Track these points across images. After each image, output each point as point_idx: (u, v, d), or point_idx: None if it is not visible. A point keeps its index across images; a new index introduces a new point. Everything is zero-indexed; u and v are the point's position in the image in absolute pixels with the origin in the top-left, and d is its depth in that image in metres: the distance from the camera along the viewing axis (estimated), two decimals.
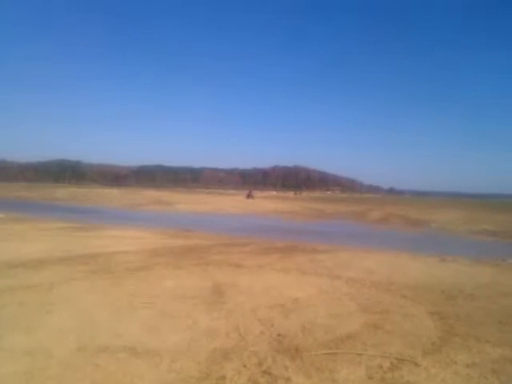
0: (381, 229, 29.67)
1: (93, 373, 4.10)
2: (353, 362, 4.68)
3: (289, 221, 34.41)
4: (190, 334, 5.33)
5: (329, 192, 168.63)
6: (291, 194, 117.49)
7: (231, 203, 52.65)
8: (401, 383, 4.20)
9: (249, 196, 69.41)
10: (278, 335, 5.42)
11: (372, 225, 32.78)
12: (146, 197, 59.02)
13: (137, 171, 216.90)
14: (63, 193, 66.86)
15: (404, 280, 9.21)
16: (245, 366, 4.46)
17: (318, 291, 7.88)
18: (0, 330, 2.98)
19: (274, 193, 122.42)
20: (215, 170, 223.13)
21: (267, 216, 38.70)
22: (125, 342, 4.92)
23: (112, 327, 5.41)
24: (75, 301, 6.57)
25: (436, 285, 8.83)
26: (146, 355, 4.61)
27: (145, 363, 4.41)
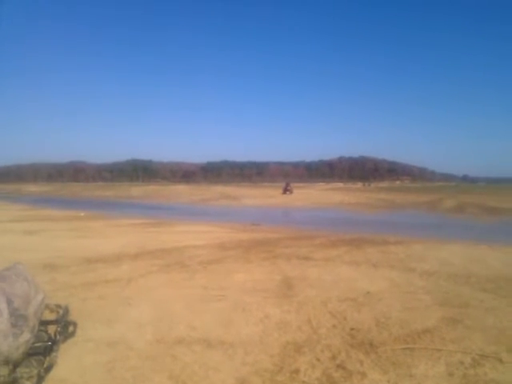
0: (455, 218, 28.22)
1: (170, 364, 4.26)
2: (431, 357, 4.49)
3: (356, 212, 33.70)
4: (261, 327, 5.38)
5: (398, 182, 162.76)
6: (358, 185, 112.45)
7: (298, 196, 52.48)
8: (484, 381, 3.97)
9: (286, 190, 56.65)
10: (351, 329, 5.32)
11: (446, 214, 31.27)
12: (214, 192, 60.45)
13: (204, 167, 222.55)
14: (137, 191, 70.14)
15: (484, 272, 8.69)
16: (318, 359, 4.43)
17: (391, 284, 7.64)
18: (83, 323, 3.18)
19: (341, 184, 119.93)
20: (281, 164, 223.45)
21: (334, 208, 38.16)
22: (199, 335, 5.06)
23: (187, 319, 5.58)
24: (152, 294, 6.86)
25: None
26: (220, 347, 4.72)
27: (219, 355, 4.50)
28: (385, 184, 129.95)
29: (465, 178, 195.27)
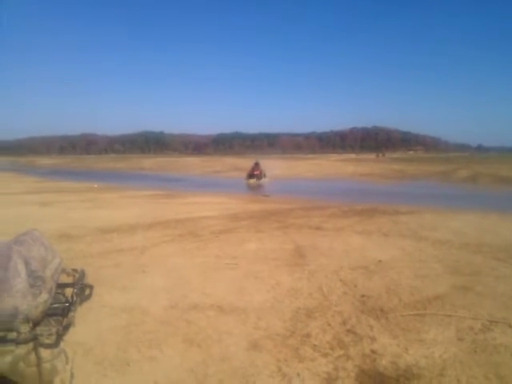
0: (468, 188, 27.96)
1: (185, 328, 4.38)
2: (441, 323, 4.54)
3: (369, 183, 33.54)
4: (273, 294, 5.47)
5: (411, 152, 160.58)
6: (371, 156, 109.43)
7: (309, 167, 52.24)
8: (493, 345, 4.02)
9: (252, 175, 35.61)
10: (362, 296, 5.39)
11: (458, 184, 30.99)
12: (225, 164, 60.39)
13: (215, 139, 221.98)
14: (148, 162, 70.37)
15: (496, 241, 8.66)
16: (329, 324, 4.51)
17: (402, 253, 7.67)
18: (99, 289, 3.28)
19: (353, 155, 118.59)
20: (292, 135, 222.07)
21: (346, 179, 38.00)
22: (213, 301, 5.17)
23: (200, 287, 5.69)
24: (166, 262, 6.99)
25: None
26: (232, 313, 4.82)
27: (232, 320, 4.61)
28: (397, 154, 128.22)
29: (479, 148, 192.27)
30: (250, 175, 35.90)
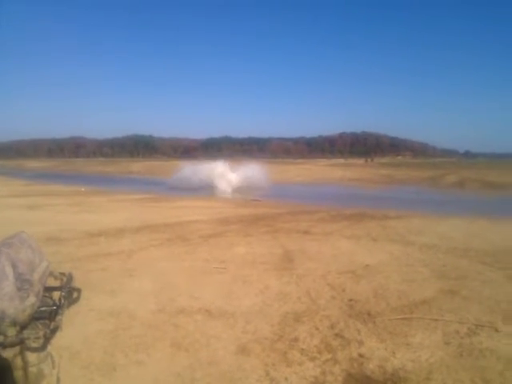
0: (456, 194, 28.27)
1: (173, 332, 4.36)
2: (428, 327, 4.59)
3: (357, 188, 33.73)
4: (262, 298, 5.48)
5: (399, 157, 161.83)
6: (360, 161, 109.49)
7: (298, 172, 52.37)
8: (479, 349, 4.06)
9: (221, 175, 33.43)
10: (350, 300, 5.41)
11: (446, 190, 31.31)
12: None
13: (205, 143, 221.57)
14: (137, 166, 69.98)
15: (482, 245, 8.76)
16: (317, 328, 4.53)
17: (390, 257, 7.72)
18: (87, 293, 3.26)
19: (342, 160, 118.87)
20: (282, 140, 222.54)
21: (335, 184, 38.17)
22: (201, 305, 5.16)
23: (188, 291, 5.68)
24: (154, 266, 6.96)
25: None
26: (221, 317, 4.82)
27: (220, 324, 4.60)
28: (386, 159, 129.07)
29: (466, 154, 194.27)
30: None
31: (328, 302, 5.35)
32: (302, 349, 4.04)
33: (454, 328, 4.56)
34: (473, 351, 4.03)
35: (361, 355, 3.92)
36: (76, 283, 2.55)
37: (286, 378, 3.49)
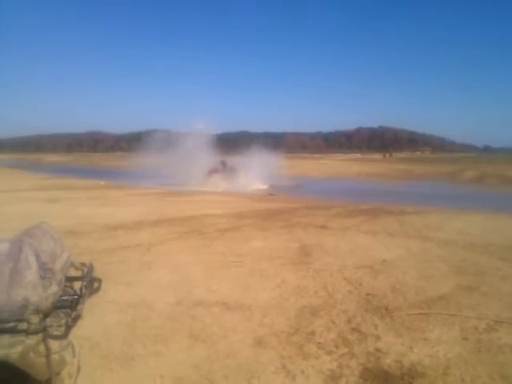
0: (475, 189, 27.84)
1: (190, 324, 4.41)
2: (446, 322, 4.54)
3: (375, 183, 33.47)
4: (278, 292, 5.49)
5: (418, 152, 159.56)
6: (378, 156, 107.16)
7: (315, 167, 52.20)
8: (498, 345, 4.01)
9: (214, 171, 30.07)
10: (367, 295, 5.39)
11: (465, 185, 30.86)
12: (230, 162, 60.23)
13: (221, 138, 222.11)
14: (155, 161, 70.36)
15: (502, 241, 8.62)
16: (334, 322, 4.53)
17: (407, 253, 7.66)
18: (105, 285, 3.32)
19: (359, 155, 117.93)
20: (298, 135, 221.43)
21: (352, 179, 37.93)
22: (218, 298, 5.20)
23: (206, 284, 5.73)
24: (171, 259, 7.03)
25: None
26: (238, 310, 4.85)
27: (237, 317, 4.64)
28: (404, 155, 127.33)
29: (486, 149, 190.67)
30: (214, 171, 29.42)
31: (345, 297, 5.34)
32: (319, 342, 4.04)
33: (473, 324, 4.51)
34: (491, 347, 3.98)
35: (378, 350, 3.91)
36: (96, 274, 2.60)
37: (303, 371, 3.50)
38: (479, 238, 8.92)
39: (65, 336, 2.10)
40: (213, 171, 29.56)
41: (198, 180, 28.03)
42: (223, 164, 30.83)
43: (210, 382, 3.30)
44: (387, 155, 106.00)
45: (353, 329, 4.38)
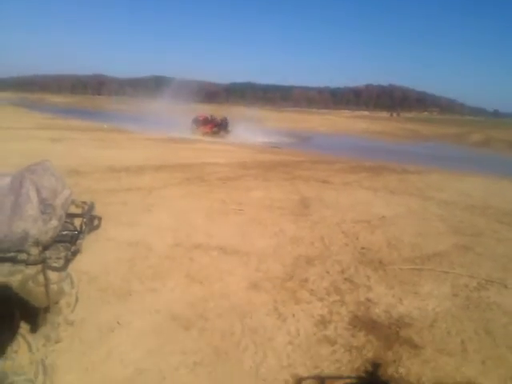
0: (481, 152, 27.63)
1: (188, 265, 4.52)
2: (438, 278, 4.64)
3: (380, 141, 33.20)
4: (276, 240, 5.58)
5: (426, 113, 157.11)
6: (385, 114, 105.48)
7: (321, 122, 51.60)
8: (487, 303, 4.12)
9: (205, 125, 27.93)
10: (362, 248, 5.48)
11: (471, 148, 30.62)
12: (236, 113, 59.65)
13: (227, 88, 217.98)
14: (158, 108, 69.55)
15: (502, 205, 8.65)
16: (327, 272, 4.63)
17: (407, 211, 7.70)
18: (106, 224, 3.37)
19: (366, 113, 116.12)
20: (305, 89, 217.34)
21: (357, 136, 37.58)
22: (216, 242, 5.29)
23: (205, 228, 5.81)
24: (172, 203, 7.10)
25: None
26: (235, 255, 4.94)
27: (234, 261, 4.74)
28: (412, 114, 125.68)
29: (495, 113, 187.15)
30: (206, 128, 27.52)
31: (341, 249, 5.42)
32: (312, 289, 4.15)
33: (464, 282, 4.61)
34: (480, 304, 4.09)
35: (368, 300, 4.02)
36: (97, 213, 2.64)
37: (294, 315, 3.61)
38: (480, 201, 8.95)
39: (64, 268, 2.17)
40: (203, 122, 28.32)
41: (193, 129, 27.55)
42: (212, 118, 29.00)
43: (205, 320, 3.42)
44: (394, 114, 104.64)
45: (346, 279, 4.48)
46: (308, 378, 2.79)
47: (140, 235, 5.29)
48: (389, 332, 3.48)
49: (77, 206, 2.66)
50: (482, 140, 35.67)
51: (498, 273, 4.91)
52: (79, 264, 3.51)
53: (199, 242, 5.23)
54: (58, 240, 2.20)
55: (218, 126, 28.42)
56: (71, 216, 2.57)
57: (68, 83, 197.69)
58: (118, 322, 3.25)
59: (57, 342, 2.65)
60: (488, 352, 3.25)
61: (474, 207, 8.29)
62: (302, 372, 2.86)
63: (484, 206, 8.39)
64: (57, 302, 2.44)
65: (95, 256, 4.31)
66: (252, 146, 20.75)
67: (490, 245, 5.94)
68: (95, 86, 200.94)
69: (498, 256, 5.49)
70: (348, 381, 2.82)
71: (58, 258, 2.18)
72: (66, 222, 2.41)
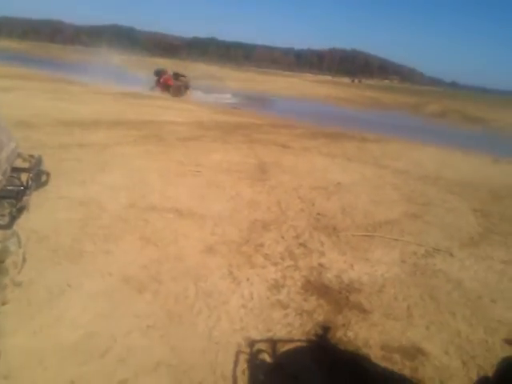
0: (436, 123, 28.43)
1: (142, 227, 4.44)
2: (388, 245, 4.82)
3: (341, 108, 33.43)
4: (233, 204, 5.57)
5: (386, 81, 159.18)
6: (347, 80, 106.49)
7: (284, 85, 51.14)
8: (433, 270, 4.32)
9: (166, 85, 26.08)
10: (318, 214, 5.57)
11: (428, 119, 31.42)
12: (197, 70, 58.05)
13: (189, 43, 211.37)
14: (117, 59, 66.59)
15: (453, 176, 9.00)
16: (282, 237, 4.69)
17: (362, 178, 7.87)
18: (57, 181, 3.22)
19: (329, 78, 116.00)
20: (269, 48, 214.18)
21: (319, 101, 37.63)
22: (172, 204, 5.22)
23: (161, 190, 5.71)
24: (127, 162, 6.90)
25: (485, 184, 8.61)
26: (191, 218, 4.90)
27: (190, 224, 4.70)
28: (373, 82, 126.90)
29: (453, 84, 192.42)
30: (164, 85, 26.10)
31: (296, 214, 5.49)
32: (266, 254, 4.20)
33: (412, 249, 4.80)
34: (426, 271, 4.29)
35: (321, 265, 4.12)
36: (45, 168, 2.50)
37: (248, 279, 3.66)
38: (433, 171, 9.26)
39: (9, 226, 2.06)
40: (165, 79, 26.74)
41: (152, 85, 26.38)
42: (175, 75, 27.44)
43: (158, 283, 3.40)
44: (356, 81, 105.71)
45: (300, 244, 4.56)
46: (260, 340, 2.85)
47: (93, 194, 5.13)
48: (339, 297, 3.59)
49: (24, 159, 2.51)
50: (439, 111, 36.60)
51: (445, 241, 5.14)
52: (28, 222, 3.39)
53: (154, 204, 5.13)
54: (2, 196, 2.08)
55: (179, 84, 26.97)
56: (17, 170, 2.41)
57: (18, 27, 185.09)
58: (69, 285, 3.16)
59: (3, 303, 2.56)
60: (432, 317, 3.42)
61: (427, 177, 8.58)
62: (255, 335, 2.91)
63: (436, 177, 8.70)
64: (2, 262, 2.34)
65: (45, 214, 4.17)
66: (212, 106, 20.32)
67: (439, 214, 6.20)
68: (49, 32, 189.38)
69: (445, 225, 5.74)
70: (298, 344, 2.90)
71: (3, 215, 2.07)
72: (11, 176, 2.27)
